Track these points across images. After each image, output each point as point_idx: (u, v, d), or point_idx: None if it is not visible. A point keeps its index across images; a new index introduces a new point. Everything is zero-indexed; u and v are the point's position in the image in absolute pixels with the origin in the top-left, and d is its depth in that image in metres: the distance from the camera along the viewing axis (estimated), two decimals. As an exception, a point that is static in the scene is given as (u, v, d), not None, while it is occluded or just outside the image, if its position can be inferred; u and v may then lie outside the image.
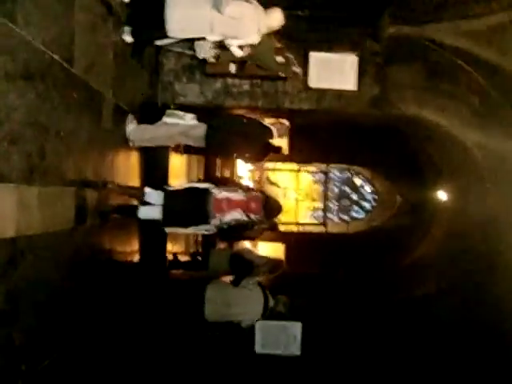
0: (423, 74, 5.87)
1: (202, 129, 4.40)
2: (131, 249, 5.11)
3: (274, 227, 6.74)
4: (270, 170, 13.37)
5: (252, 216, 4.27)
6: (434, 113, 5.90)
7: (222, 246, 8.11)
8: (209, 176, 7.59)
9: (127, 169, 4.71)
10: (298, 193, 16.02)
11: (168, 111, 4.64)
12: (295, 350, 5.66)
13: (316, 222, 14.68)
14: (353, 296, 10.07)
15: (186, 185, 4.57)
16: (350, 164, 11.88)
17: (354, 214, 16.41)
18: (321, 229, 12.31)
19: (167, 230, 4.64)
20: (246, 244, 9.59)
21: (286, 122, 4.76)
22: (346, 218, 16.46)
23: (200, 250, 8.36)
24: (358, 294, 10.12)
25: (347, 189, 16.86)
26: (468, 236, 7.84)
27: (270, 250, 11.46)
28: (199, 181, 6.50)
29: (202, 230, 4.43)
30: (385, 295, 9.82)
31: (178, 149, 6.57)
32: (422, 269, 10.13)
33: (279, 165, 13.40)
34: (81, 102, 3.50)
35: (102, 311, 4.06)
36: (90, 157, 3.75)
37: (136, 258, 5.24)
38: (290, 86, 5.92)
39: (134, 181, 4.98)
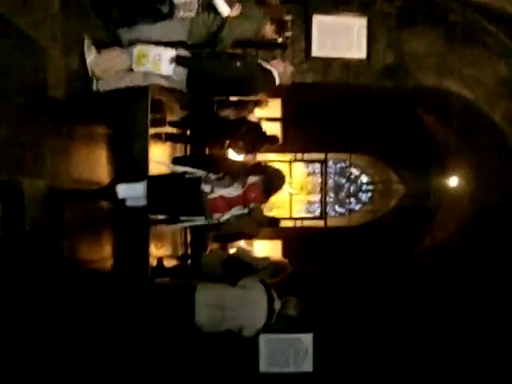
0: (442, 38, 5.04)
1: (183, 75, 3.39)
2: (101, 255, 4.17)
3: (274, 223, 5.85)
4: (261, 161, 12.43)
5: (252, 205, 3.75)
6: (456, 83, 5.05)
7: (213, 246, 7.21)
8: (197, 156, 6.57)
9: (90, 159, 3.76)
10: (292, 186, 15.17)
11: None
12: (307, 366, 4.78)
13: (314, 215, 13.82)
14: (363, 296, 9.29)
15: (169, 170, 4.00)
16: (349, 152, 11.03)
17: (353, 206, 15.66)
18: (320, 223, 11.48)
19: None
20: (242, 244, 8.69)
21: (291, 67, 3.80)
22: (342, 210, 15.70)
23: (189, 252, 7.44)
24: (368, 294, 9.35)
25: (343, 180, 16.11)
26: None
27: (266, 247, 10.59)
28: (186, 159, 5.49)
29: (197, 221, 3.95)
30: (395, 292, 9.06)
31: (160, 136, 5.66)
32: (433, 262, 9.39)
33: (271, 156, 12.49)
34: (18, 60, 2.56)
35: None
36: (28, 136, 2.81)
37: (108, 266, 4.30)
38: (290, 55, 5.02)
39: (101, 176, 4.04)
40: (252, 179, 3.71)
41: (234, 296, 3.92)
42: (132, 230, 4.72)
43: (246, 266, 5.21)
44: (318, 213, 15.38)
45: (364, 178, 15.38)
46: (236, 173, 3.93)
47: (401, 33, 4.96)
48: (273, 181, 3.75)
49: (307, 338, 4.70)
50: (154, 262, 5.40)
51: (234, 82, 3.42)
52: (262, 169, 3.95)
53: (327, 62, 4.99)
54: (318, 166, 16.34)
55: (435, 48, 4.98)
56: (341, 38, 4.95)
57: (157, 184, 3.77)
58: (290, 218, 11.41)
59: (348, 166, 15.97)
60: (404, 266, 9.88)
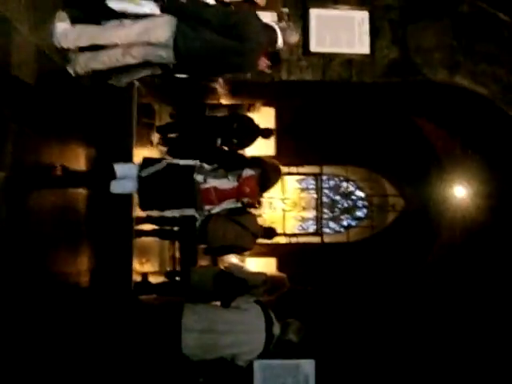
0: (452, 30, 4.66)
1: (167, 27, 2.81)
2: (77, 267, 3.65)
3: (270, 234, 5.36)
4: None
5: (246, 200, 3.55)
6: (468, 79, 4.66)
7: (203, 262, 6.68)
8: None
9: (63, 152, 3.28)
10: (285, 202, 14.71)
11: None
12: (308, 395, 4.22)
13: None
14: (366, 316, 8.78)
15: (164, 163, 3.54)
16: (345, 164, 10.63)
17: (349, 223, 15.23)
18: (316, 239, 10.99)
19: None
20: (233, 259, 8.16)
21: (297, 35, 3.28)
22: (337, 227, 15.25)
23: (178, 268, 6.90)
24: (370, 314, 8.85)
25: (338, 197, 15.72)
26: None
27: (260, 265, 10.06)
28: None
29: (189, 213, 3.73)
30: (400, 312, 8.57)
31: (148, 138, 5.21)
32: (434, 279, 8.94)
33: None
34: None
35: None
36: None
37: (84, 280, 3.77)
38: (286, 51, 4.62)
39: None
40: (248, 172, 3.49)
41: (226, 319, 3.40)
42: (113, 241, 4.23)
43: (239, 282, 4.71)
44: (312, 230, 14.93)
45: (360, 193, 15.02)
46: (231, 165, 3.61)
47: (406, 26, 4.60)
48: (269, 175, 3.59)
49: (308, 365, 4.16)
50: (138, 278, 4.87)
51: (230, 29, 2.81)
52: (257, 162, 3.58)
53: (327, 59, 4.60)
54: (311, 181, 15.98)
55: (444, 41, 4.61)
56: (341, 32, 4.57)
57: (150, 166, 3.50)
58: (285, 235, 10.89)
59: (343, 181, 15.66)
60: (406, 283, 9.42)
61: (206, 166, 3.52)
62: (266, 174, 3.59)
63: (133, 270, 4.59)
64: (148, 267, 5.37)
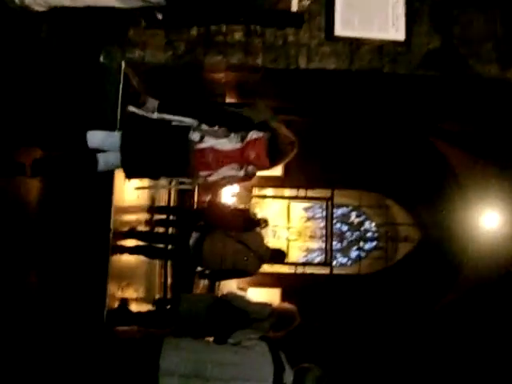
0: (505, 19, 3.90)
1: None
2: (31, 289, 2.74)
3: (279, 257, 4.45)
4: (257, 196, 11.12)
5: (251, 169, 2.91)
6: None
7: (199, 290, 5.75)
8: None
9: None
10: (290, 231, 13.79)
11: None
12: None
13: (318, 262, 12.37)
14: (376, 357, 7.79)
15: (155, 114, 2.96)
16: (357, 189, 9.79)
17: (357, 254, 14.31)
18: (324, 270, 10.03)
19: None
20: (234, 288, 7.22)
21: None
22: (345, 261, 14.29)
23: (169, 296, 5.96)
24: (380, 354, 7.86)
25: (345, 227, 14.84)
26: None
27: (262, 296, 9.08)
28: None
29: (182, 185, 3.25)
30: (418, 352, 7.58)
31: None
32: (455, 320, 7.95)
33: (268, 192, 11.23)
34: None
35: None
36: None
37: (42, 308, 2.87)
38: (306, 35, 3.84)
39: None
40: (255, 134, 2.85)
41: (219, 360, 2.45)
42: (83, 258, 3.37)
43: (239, 314, 3.79)
44: (317, 261, 13.95)
45: (370, 224, 14.12)
46: (235, 125, 2.88)
47: (450, 10, 3.86)
48: (281, 145, 2.84)
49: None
50: (114, 304, 3.94)
51: None
52: (267, 127, 2.89)
53: (354, 45, 3.83)
54: (318, 210, 15.11)
55: (495, 31, 3.85)
56: (372, 13, 3.82)
57: (136, 129, 2.95)
58: (291, 264, 9.93)
59: (352, 210, 14.77)
60: (423, 322, 8.42)
61: (205, 126, 2.87)
62: (277, 143, 2.83)
63: (107, 294, 3.66)
64: (129, 292, 4.44)
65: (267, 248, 4.34)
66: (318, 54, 3.86)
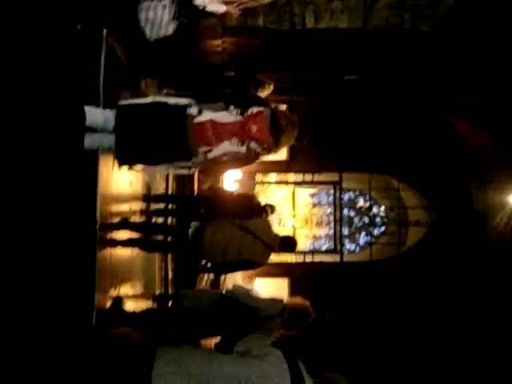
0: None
1: None
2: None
3: (289, 245, 3.99)
4: (261, 183, 10.64)
5: (253, 145, 2.74)
6: None
7: (203, 285, 5.30)
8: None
9: None
10: (296, 218, 13.33)
11: None
12: None
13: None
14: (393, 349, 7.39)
15: (149, 99, 2.89)
16: (366, 171, 9.29)
17: (366, 240, 13.88)
18: (334, 258, 9.57)
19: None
20: (239, 279, 6.78)
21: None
22: (353, 247, 13.87)
23: (171, 291, 5.53)
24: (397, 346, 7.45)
25: (352, 212, 14.39)
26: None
27: (269, 287, 8.66)
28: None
29: (180, 169, 2.98)
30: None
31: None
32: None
33: (272, 177, 10.74)
34: None
35: None
36: None
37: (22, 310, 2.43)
38: (312, -11, 3.35)
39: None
40: (255, 108, 2.74)
41: (225, 374, 2.00)
42: (67, 251, 2.94)
43: (247, 312, 3.35)
44: (324, 249, 13.51)
45: (379, 208, 13.64)
46: (234, 101, 2.76)
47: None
48: (281, 123, 2.75)
49: None
50: (106, 303, 3.49)
51: None
52: (267, 104, 3.04)
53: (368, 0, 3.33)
54: (324, 196, 14.65)
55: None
56: (389, -38, 3.34)
57: (131, 110, 2.81)
58: (299, 252, 9.48)
59: (359, 195, 14.28)
60: (442, 311, 7.99)
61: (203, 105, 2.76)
62: (277, 121, 2.73)
63: (96, 293, 3.21)
64: (125, 290, 3.99)
65: (275, 235, 3.87)
66: (328, 11, 3.36)
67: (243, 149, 2.69)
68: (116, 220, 3.73)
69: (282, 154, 9.03)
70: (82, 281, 3.07)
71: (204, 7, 3.00)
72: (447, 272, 8.24)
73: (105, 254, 3.47)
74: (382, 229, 13.55)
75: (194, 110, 2.69)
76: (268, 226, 3.91)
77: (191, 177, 6.14)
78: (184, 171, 2.96)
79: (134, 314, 3.65)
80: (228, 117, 2.72)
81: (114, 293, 3.66)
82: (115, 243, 3.71)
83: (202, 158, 2.67)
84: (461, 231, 8.09)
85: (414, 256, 8.81)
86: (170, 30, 3.22)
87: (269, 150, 2.81)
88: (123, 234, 3.88)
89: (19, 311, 2.66)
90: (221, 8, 3.02)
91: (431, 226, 9.14)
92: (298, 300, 3.65)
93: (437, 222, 8.89)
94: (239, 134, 2.67)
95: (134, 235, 3.89)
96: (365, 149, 8.68)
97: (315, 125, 8.45)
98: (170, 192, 5.59)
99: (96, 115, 2.94)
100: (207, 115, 2.68)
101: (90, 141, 2.95)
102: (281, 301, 3.59)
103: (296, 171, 9.09)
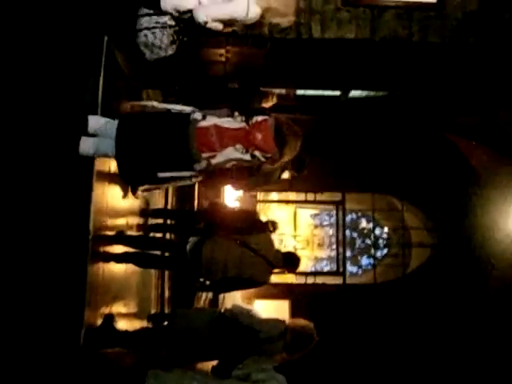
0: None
1: None
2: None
3: (292, 263, 3.80)
4: (262, 201, 10.48)
5: (257, 154, 2.62)
6: None
7: (200, 304, 5.09)
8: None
9: None
10: (297, 239, 13.13)
11: None
12: None
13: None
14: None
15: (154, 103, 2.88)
16: (369, 191, 9.14)
17: (368, 262, 13.68)
18: (336, 280, 9.34)
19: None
20: (238, 300, 6.55)
21: None
22: (355, 270, 13.64)
23: (167, 310, 5.31)
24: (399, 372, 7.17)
25: (354, 234, 14.22)
26: None
27: (269, 309, 8.40)
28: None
29: (182, 180, 2.78)
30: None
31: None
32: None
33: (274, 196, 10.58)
34: None
35: None
36: None
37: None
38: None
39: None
40: (260, 117, 2.64)
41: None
42: (57, 265, 2.79)
43: (247, 333, 3.16)
44: (326, 271, 13.27)
45: (381, 230, 13.45)
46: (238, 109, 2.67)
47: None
48: (286, 136, 2.66)
49: None
50: (97, 321, 3.29)
51: None
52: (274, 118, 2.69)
53: (378, 10, 3.25)
54: (326, 217, 14.48)
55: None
56: (398, -28, 3.26)
57: (132, 119, 2.78)
58: (300, 273, 9.24)
59: (361, 217, 14.10)
60: (447, 336, 7.72)
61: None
62: (282, 133, 2.64)
63: (86, 310, 3.02)
64: (118, 307, 3.79)
65: (277, 252, 3.70)
66: (335, 21, 3.27)
67: (247, 156, 2.57)
68: (111, 233, 3.56)
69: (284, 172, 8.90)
70: (70, 295, 2.89)
71: (206, 23, 2.94)
72: (452, 295, 8.02)
73: (97, 268, 3.29)
74: (385, 251, 13.38)
75: (197, 115, 2.60)
76: (270, 243, 3.74)
77: (191, 192, 5.99)
78: (186, 182, 2.82)
79: (126, 333, 3.44)
80: (233, 123, 2.61)
81: (105, 310, 3.47)
82: (109, 257, 3.53)
83: (205, 164, 2.54)
84: (465, 251, 7.90)
85: (418, 278, 8.58)
86: (170, 51, 3.15)
87: (273, 161, 2.68)
88: (118, 248, 3.70)
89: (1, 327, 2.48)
90: (219, 26, 2.96)
91: (435, 248, 8.94)
92: (302, 321, 3.45)
93: (440, 242, 8.70)
94: (243, 141, 2.56)
95: (130, 250, 3.72)
96: (367, 168, 8.55)
97: (318, 144, 8.39)
98: (169, 207, 5.44)
99: (98, 120, 2.85)
100: (211, 120, 2.59)
101: (85, 145, 2.83)
102: (283, 322, 3.40)
103: (298, 190, 8.93)
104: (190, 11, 2.90)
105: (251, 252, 3.55)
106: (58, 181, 2.85)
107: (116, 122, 2.74)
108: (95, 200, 3.14)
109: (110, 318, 3.42)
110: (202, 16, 2.86)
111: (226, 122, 2.60)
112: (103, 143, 2.83)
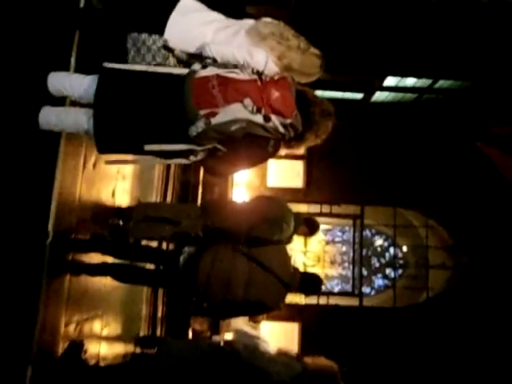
0: None
1: None
2: None
3: (312, 286, 2.99)
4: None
5: (273, 118, 1.86)
6: None
7: (196, 326, 4.27)
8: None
9: None
10: (308, 255, 12.38)
11: None
12: None
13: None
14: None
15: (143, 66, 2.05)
16: (392, 205, 8.32)
17: (380, 283, 12.92)
18: (352, 302, 8.48)
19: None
20: (242, 325, 5.72)
21: None
22: (368, 290, 12.81)
23: (161, 332, 4.53)
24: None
25: (369, 252, 13.45)
26: None
27: (277, 333, 7.57)
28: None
29: (176, 157, 2.02)
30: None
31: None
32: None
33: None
34: None
35: None
36: None
37: None
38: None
39: None
40: (276, 75, 1.98)
41: None
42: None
43: (254, 374, 2.39)
44: (337, 291, 12.46)
45: (397, 249, 12.63)
46: None
47: None
48: (314, 113, 1.98)
49: None
50: (56, 350, 2.52)
51: None
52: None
53: None
54: (338, 233, 13.74)
55: None
56: None
57: (119, 74, 2.00)
58: (315, 293, 8.37)
59: (376, 234, 13.32)
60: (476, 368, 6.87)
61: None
62: (307, 104, 1.97)
63: (37, 335, 2.25)
64: (92, 330, 3.02)
65: (295, 270, 2.91)
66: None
67: (259, 118, 1.85)
68: (83, 236, 2.80)
69: (297, 181, 8.15)
70: (18, 316, 2.14)
71: (215, 60, 2.29)
72: (479, 321, 7.20)
73: (60, 280, 2.53)
74: (400, 271, 12.56)
75: (196, 66, 1.98)
76: (286, 258, 2.95)
77: (195, 186, 5.27)
78: (182, 161, 2.05)
79: (96, 367, 2.67)
80: (241, 74, 1.92)
81: (72, 335, 2.70)
82: (79, 268, 2.77)
83: (203, 124, 1.83)
84: (495, 275, 7.09)
85: (442, 302, 7.73)
86: None
87: (295, 132, 1.93)
88: (93, 257, 2.94)
89: None
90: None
91: (459, 269, 8.10)
92: (323, 361, 2.65)
93: (466, 264, 7.85)
94: (254, 96, 1.86)
95: (108, 259, 2.95)
96: (390, 180, 7.79)
97: (338, 151, 7.69)
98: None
99: (64, 81, 2.13)
100: (213, 70, 1.94)
101: (46, 118, 2.11)
102: (299, 360, 2.60)
103: (312, 201, 8.16)
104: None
105: (261, 268, 2.78)
106: (8, 164, 2.12)
107: (92, 78, 2.04)
108: (60, 191, 2.40)
109: (75, 346, 2.65)
110: (213, 52, 2.18)
111: (233, 73, 1.91)
112: (71, 114, 2.12)
